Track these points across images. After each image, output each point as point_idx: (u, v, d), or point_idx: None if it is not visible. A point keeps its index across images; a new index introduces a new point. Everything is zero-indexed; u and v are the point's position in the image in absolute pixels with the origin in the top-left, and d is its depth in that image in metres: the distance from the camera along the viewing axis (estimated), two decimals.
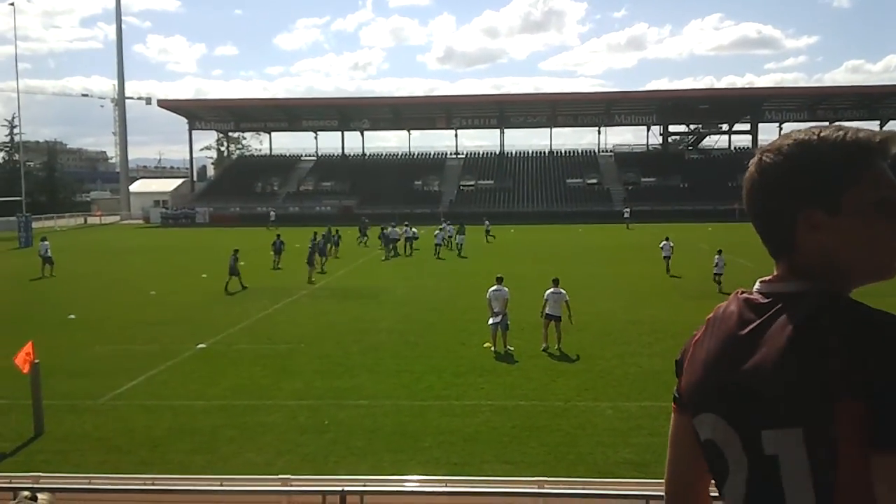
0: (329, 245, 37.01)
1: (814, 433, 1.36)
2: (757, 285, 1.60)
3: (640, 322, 19.47)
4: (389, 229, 41.28)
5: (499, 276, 17.18)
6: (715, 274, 26.14)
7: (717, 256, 26.68)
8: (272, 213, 67.16)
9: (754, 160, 1.62)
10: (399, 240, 40.89)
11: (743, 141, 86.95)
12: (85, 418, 12.33)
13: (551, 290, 16.55)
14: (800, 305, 1.45)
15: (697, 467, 1.66)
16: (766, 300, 1.53)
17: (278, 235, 37.36)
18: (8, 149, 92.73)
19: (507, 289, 16.58)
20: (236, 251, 28.29)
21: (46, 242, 34.49)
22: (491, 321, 16.37)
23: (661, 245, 27.14)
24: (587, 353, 16.19)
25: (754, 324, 1.50)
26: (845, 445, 1.34)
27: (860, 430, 1.32)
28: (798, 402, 1.38)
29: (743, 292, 1.62)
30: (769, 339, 1.45)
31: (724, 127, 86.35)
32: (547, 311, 16.39)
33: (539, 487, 7.14)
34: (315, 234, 35.94)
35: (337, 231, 40.78)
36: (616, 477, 8.89)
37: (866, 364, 1.32)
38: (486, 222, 49.98)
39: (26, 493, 3.39)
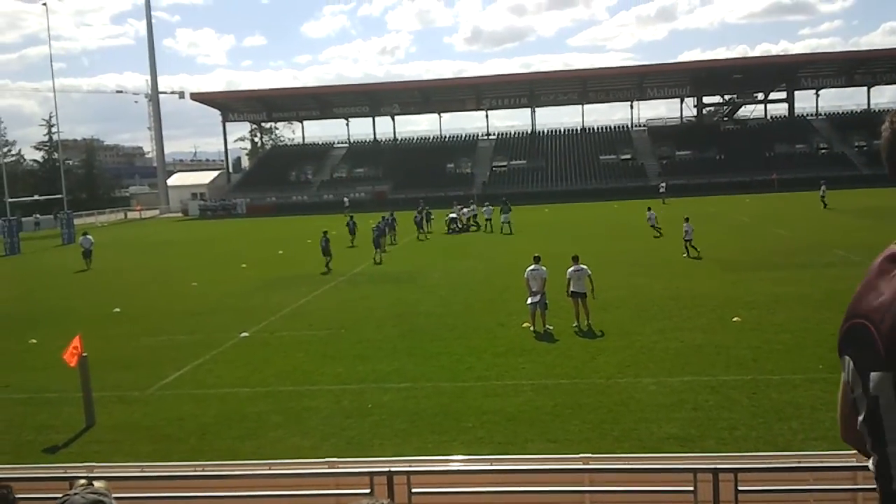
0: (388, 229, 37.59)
1: None
2: None
3: (679, 297, 19.28)
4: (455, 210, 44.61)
5: (536, 255, 17.12)
6: (685, 240, 27.05)
7: (685, 224, 27.39)
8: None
9: (885, 125, 1.64)
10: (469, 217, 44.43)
11: (779, 110, 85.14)
12: (134, 409, 12.62)
13: (573, 267, 16.44)
14: None
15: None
16: None
17: (351, 217, 41.25)
18: (47, 148, 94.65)
19: (544, 268, 16.52)
20: (326, 233, 29.56)
21: (90, 236, 35.47)
22: (529, 301, 16.35)
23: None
24: (626, 329, 16.09)
25: (889, 268, 1.57)
26: None
27: None
28: (892, 346, 1.43)
29: (894, 245, 1.65)
30: (891, 282, 1.52)
31: (760, 96, 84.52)
32: (572, 288, 16.31)
33: (584, 464, 7.15)
34: (383, 217, 38.30)
35: (393, 216, 41.01)
36: (661, 452, 8.85)
37: None
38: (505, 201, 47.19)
39: (83, 480, 3.49)
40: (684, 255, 26.63)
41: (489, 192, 66.43)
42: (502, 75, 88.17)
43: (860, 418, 1.60)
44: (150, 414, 12.28)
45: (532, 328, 16.20)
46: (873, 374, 1.50)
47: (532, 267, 16.59)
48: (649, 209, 36.54)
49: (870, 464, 1.61)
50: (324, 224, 39.51)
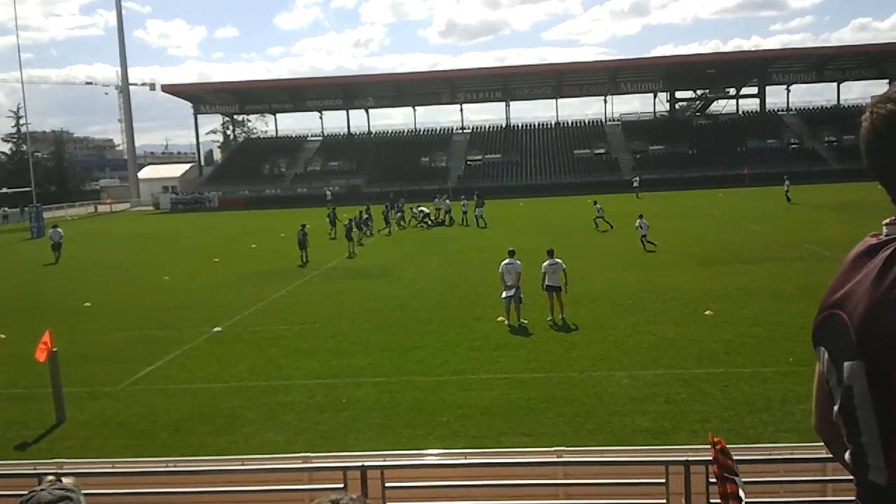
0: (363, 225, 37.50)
1: (872, 368, 1.44)
2: (884, 228, 1.63)
3: (652, 290, 19.44)
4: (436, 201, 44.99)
5: (511, 249, 17.15)
6: (641, 237, 27.74)
7: (638, 220, 28.10)
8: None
9: (865, 115, 1.60)
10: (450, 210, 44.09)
11: (751, 105, 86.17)
12: (105, 404, 12.46)
13: (548, 261, 16.51)
14: None
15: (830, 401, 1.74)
16: (883, 239, 1.57)
17: (333, 209, 41.77)
18: (15, 140, 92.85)
19: (519, 262, 16.56)
20: (304, 226, 29.14)
21: (59, 229, 35.15)
22: (504, 295, 16.39)
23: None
24: (601, 323, 16.19)
25: (865, 259, 1.57)
26: None
27: None
28: (867, 333, 1.45)
29: (872, 235, 1.65)
30: (864, 275, 1.52)
31: (732, 91, 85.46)
32: (547, 282, 16.39)
33: (558, 457, 7.19)
34: (360, 212, 38.43)
35: (369, 210, 40.77)
36: (634, 445, 8.92)
37: None
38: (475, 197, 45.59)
39: (51, 477, 3.43)
40: (646, 250, 26.96)
41: (464, 186, 66.45)
42: (477, 69, 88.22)
43: (835, 408, 1.61)
44: (121, 410, 12.13)
45: (507, 322, 16.25)
46: (846, 364, 1.52)
47: (507, 261, 16.63)
48: (595, 203, 37.69)
49: (846, 455, 1.63)
50: (299, 218, 39.25)
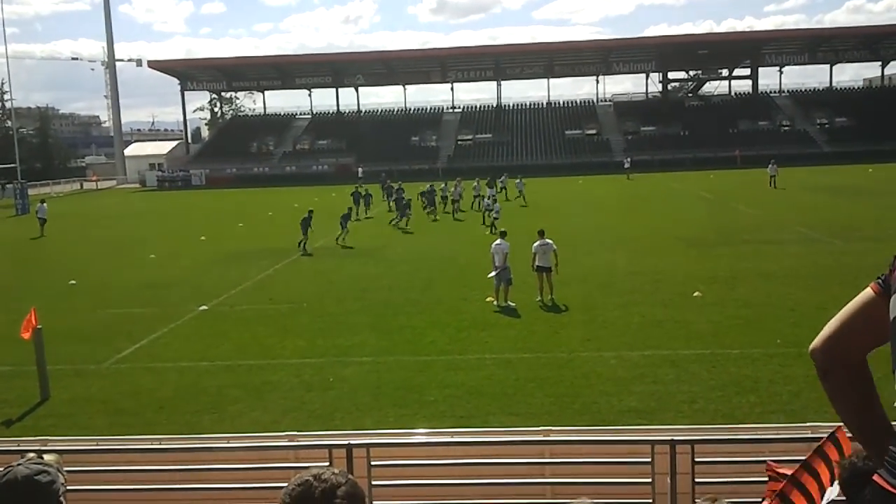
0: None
1: None
2: None
3: (641, 272, 19.43)
4: (428, 187, 38.34)
5: (502, 230, 17.11)
6: (486, 212, 29.78)
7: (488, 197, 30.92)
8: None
9: None
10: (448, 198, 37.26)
11: (743, 86, 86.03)
12: (90, 382, 12.37)
13: (538, 242, 16.47)
14: None
15: (858, 338, 1.93)
16: None
17: (359, 188, 39.83)
18: None
19: (507, 243, 16.51)
20: (311, 212, 27.23)
21: (45, 205, 35.05)
22: (492, 274, 16.36)
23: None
24: (590, 304, 16.18)
25: None
26: None
27: None
28: None
29: None
30: None
31: (724, 72, 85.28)
32: (537, 263, 16.35)
33: (545, 436, 7.17)
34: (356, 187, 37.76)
35: (368, 191, 39.71)
36: (621, 425, 8.92)
37: None
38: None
39: (32, 453, 3.36)
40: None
41: (454, 166, 66.25)
42: (468, 47, 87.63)
43: None
44: (106, 388, 12.05)
45: (496, 302, 16.21)
46: None
47: (497, 241, 16.60)
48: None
49: None
50: (288, 197, 39.10)
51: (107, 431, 9.50)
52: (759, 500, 6.73)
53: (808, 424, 6.09)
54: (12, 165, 62.39)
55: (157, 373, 12.68)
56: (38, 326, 11.55)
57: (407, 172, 60.14)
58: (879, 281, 1.94)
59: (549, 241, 16.44)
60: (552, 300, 16.26)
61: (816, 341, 2.02)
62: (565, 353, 12.73)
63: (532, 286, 16.58)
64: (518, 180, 42.41)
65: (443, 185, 39.29)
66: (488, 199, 32.68)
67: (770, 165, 44.88)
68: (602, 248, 23.62)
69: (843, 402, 1.96)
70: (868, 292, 1.96)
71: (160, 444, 7.58)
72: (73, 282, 21.48)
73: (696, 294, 16.44)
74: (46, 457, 3.34)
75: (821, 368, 1.99)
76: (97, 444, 7.86)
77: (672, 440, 6.37)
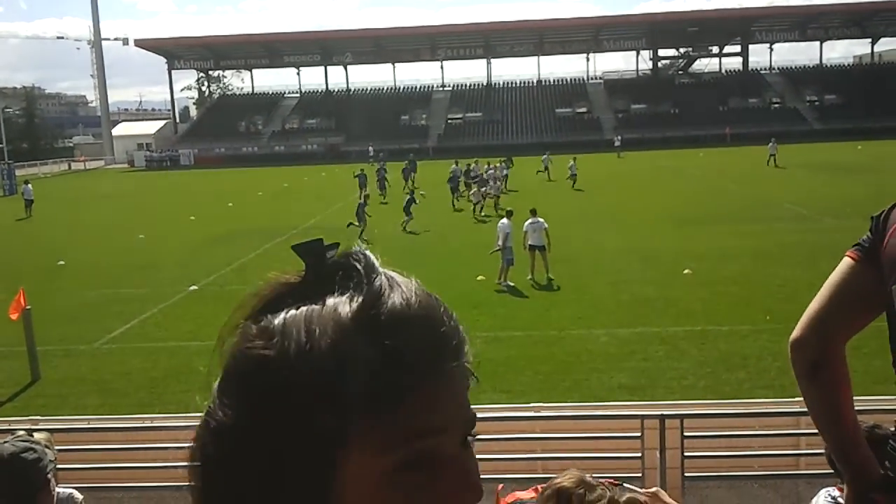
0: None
1: None
2: None
3: (631, 250, 19.48)
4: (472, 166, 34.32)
5: (508, 209, 17.27)
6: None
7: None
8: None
9: None
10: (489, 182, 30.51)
11: (733, 64, 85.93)
12: (81, 362, 12.36)
13: (530, 220, 16.47)
14: None
15: (846, 317, 1.71)
16: None
17: (382, 165, 38.56)
18: None
19: (508, 223, 16.48)
20: (367, 197, 26.28)
21: (29, 186, 35.13)
22: (492, 252, 16.55)
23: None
24: (580, 282, 16.22)
25: None
26: None
27: None
28: None
29: None
30: None
31: (715, 50, 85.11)
32: (529, 241, 16.36)
33: (536, 412, 7.22)
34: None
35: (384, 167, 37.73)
36: (611, 401, 8.98)
37: None
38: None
39: (21, 431, 3.35)
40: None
41: (444, 145, 66.04)
42: (457, 25, 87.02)
43: None
44: (96, 368, 12.03)
45: (500, 282, 16.10)
46: None
47: (502, 221, 16.80)
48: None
49: None
50: (277, 176, 38.87)
51: (98, 411, 9.50)
52: (747, 473, 6.82)
53: (795, 399, 6.13)
54: None
55: (148, 353, 12.66)
56: (27, 307, 11.50)
57: (396, 152, 59.82)
58: (857, 247, 1.74)
59: (541, 220, 16.44)
60: (548, 279, 16.27)
61: (802, 330, 1.77)
62: (556, 331, 12.78)
63: (523, 264, 16.59)
64: (545, 156, 42.03)
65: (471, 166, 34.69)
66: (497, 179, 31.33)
67: (770, 144, 43.84)
68: (592, 226, 23.64)
69: (833, 403, 1.70)
70: (847, 262, 1.75)
71: (151, 422, 7.60)
72: (62, 262, 21.37)
73: (685, 272, 16.51)
74: (36, 435, 3.33)
75: (811, 361, 1.73)
76: (88, 423, 7.88)
77: (661, 415, 6.44)
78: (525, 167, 43.51)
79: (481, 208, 27.74)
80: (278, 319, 0.69)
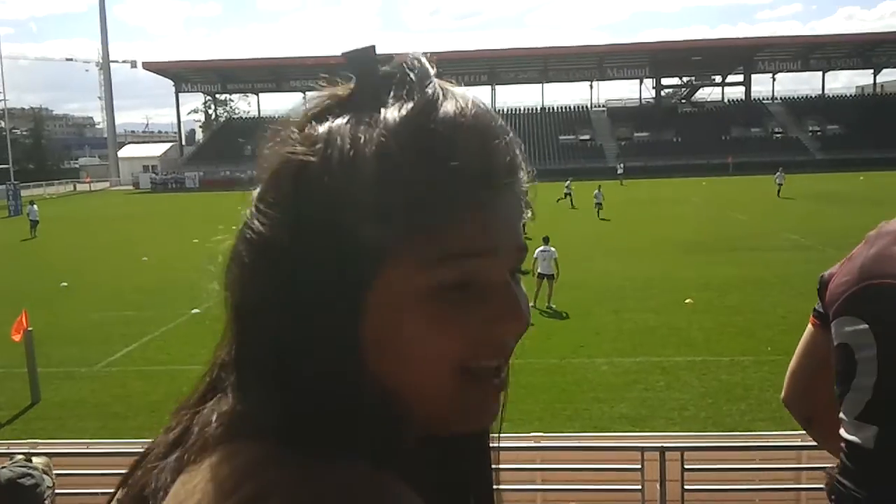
0: None
1: None
2: None
3: (634, 278, 19.48)
4: None
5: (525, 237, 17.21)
6: None
7: None
8: None
9: None
10: None
11: (736, 93, 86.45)
12: (81, 385, 12.35)
13: (541, 248, 16.52)
14: None
15: (821, 377, 1.71)
16: None
17: None
18: None
19: None
20: None
21: (35, 207, 35.23)
22: None
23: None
24: (582, 310, 16.22)
25: None
26: None
27: None
28: None
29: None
30: None
31: (717, 79, 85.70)
32: (539, 270, 16.37)
33: (535, 442, 7.20)
34: None
35: None
36: (612, 431, 8.95)
37: None
38: None
39: (20, 456, 3.36)
40: None
41: None
42: (462, 52, 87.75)
43: (853, 384, 1.56)
44: (97, 391, 12.02)
45: None
46: None
47: None
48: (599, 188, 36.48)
49: (853, 437, 1.57)
50: None
51: (97, 435, 9.48)
52: None
53: (797, 433, 6.11)
54: (5, 167, 62.20)
55: (149, 376, 12.65)
56: (29, 328, 11.52)
57: None
58: (814, 312, 1.78)
59: (552, 249, 16.50)
60: (548, 307, 16.27)
61: (787, 390, 1.89)
62: (557, 359, 12.75)
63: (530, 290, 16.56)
64: (567, 182, 41.40)
65: None
66: None
67: (777, 173, 43.50)
68: (595, 253, 23.67)
69: (836, 448, 1.73)
70: (809, 328, 1.80)
71: None
72: (65, 284, 21.42)
73: (687, 301, 16.50)
74: (35, 460, 3.33)
75: (803, 417, 1.87)
76: (87, 448, 7.86)
77: (662, 447, 6.41)
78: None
79: None
80: (323, 127, 0.67)
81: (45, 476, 2.93)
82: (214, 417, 0.67)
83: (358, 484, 0.59)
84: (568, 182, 42.27)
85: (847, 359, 1.57)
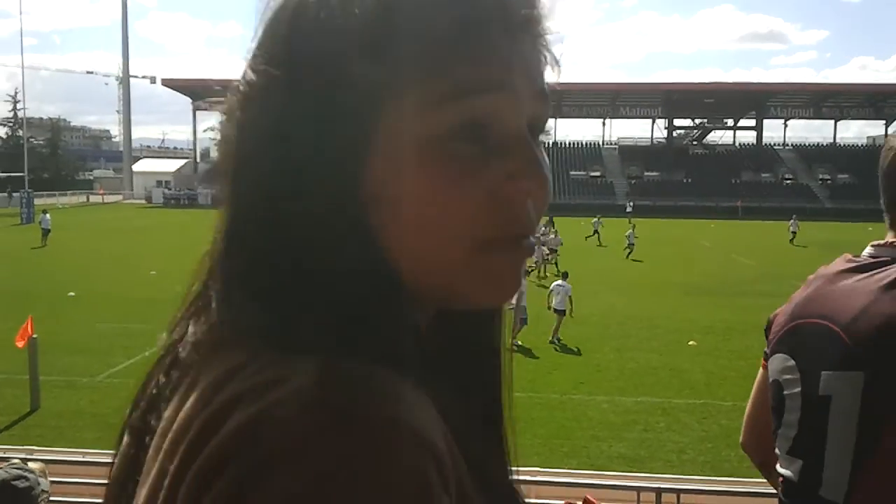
0: None
1: (879, 381, 1.42)
2: (867, 249, 1.66)
3: (638, 317, 19.47)
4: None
5: (527, 268, 17.22)
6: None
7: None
8: None
9: (886, 146, 1.76)
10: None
11: (747, 137, 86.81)
12: (82, 395, 12.38)
13: (558, 282, 16.57)
14: None
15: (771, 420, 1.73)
16: (871, 260, 1.58)
17: None
18: (11, 124, 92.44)
19: (525, 282, 16.49)
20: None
21: (47, 215, 35.51)
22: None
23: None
24: (585, 346, 16.20)
25: (850, 276, 1.57)
26: None
27: None
28: (869, 347, 1.43)
29: (850, 256, 1.66)
30: (859, 289, 1.52)
31: (729, 122, 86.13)
32: (553, 305, 16.37)
33: (532, 476, 7.18)
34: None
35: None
36: (609, 470, 8.91)
37: None
38: None
39: (17, 459, 3.40)
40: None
41: None
42: None
43: (786, 418, 1.61)
44: (97, 401, 12.04)
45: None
46: (827, 374, 1.50)
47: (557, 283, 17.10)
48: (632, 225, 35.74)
49: (785, 471, 1.61)
50: None
51: (94, 445, 9.46)
52: None
53: None
54: (21, 175, 62.75)
55: None
56: (34, 336, 11.59)
57: None
58: (764, 354, 1.82)
59: (568, 285, 16.63)
60: (553, 340, 16.24)
61: (744, 435, 1.94)
62: (557, 395, 12.73)
63: (536, 326, 16.51)
64: (595, 219, 40.28)
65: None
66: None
67: (791, 220, 42.63)
68: (601, 290, 23.65)
69: None
70: (760, 371, 1.84)
71: None
72: (72, 293, 21.53)
73: (690, 343, 16.47)
74: (32, 465, 3.37)
75: (758, 463, 1.89)
76: (83, 457, 7.87)
77: (659, 488, 6.40)
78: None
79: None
80: None
81: (40, 480, 2.97)
82: (201, 329, 0.63)
83: (353, 381, 0.51)
84: (596, 218, 41.26)
85: (778, 395, 1.64)
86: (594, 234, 40.40)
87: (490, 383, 0.74)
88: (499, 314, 0.75)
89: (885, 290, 1.48)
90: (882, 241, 1.63)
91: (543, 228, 30.84)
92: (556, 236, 28.58)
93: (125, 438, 0.68)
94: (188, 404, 0.55)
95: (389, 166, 0.57)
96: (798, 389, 1.58)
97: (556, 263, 26.63)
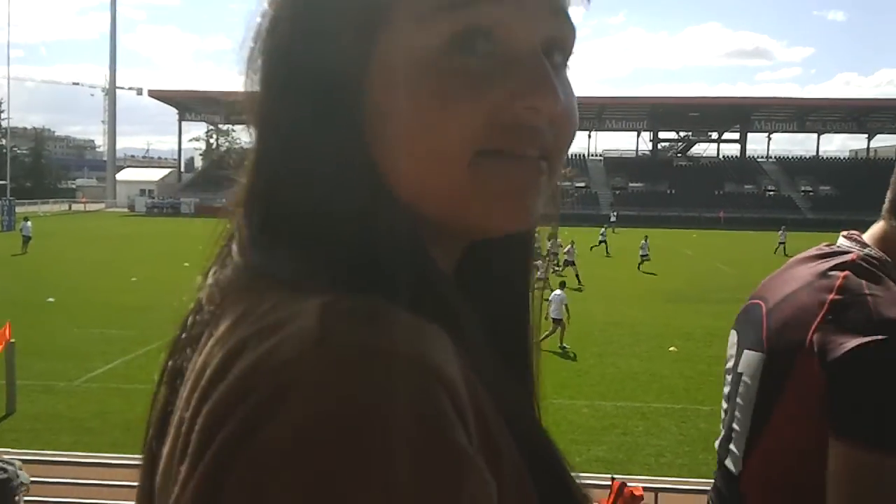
0: None
1: (773, 364, 1.46)
2: (839, 238, 1.67)
3: (619, 323, 19.55)
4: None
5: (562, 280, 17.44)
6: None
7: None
8: None
9: None
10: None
11: (731, 150, 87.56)
12: (58, 399, 12.27)
13: (556, 292, 16.53)
14: (844, 258, 1.51)
15: None
16: (829, 249, 1.61)
17: None
18: None
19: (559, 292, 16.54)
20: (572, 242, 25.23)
21: (29, 223, 35.59)
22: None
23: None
24: (567, 351, 16.25)
25: (805, 262, 1.60)
26: (794, 393, 1.41)
27: (815, 392, 1.35)
28: (778, 331, 1.47)
29: (824, 244, 1.68)
30: (797, 275, 1.56)
31: (714, 135, 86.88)
32: (551, 314, 16.36)
33: None
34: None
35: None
36: (587, 473, 8.93)
37: (844, 341, 1.32)
38: None
39: None
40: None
41: None
42: None
43: (725, 391, 1.67)
44: (74, 406, 11.95)
45: None
46: (746, 352, 1.57)
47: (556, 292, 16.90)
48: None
49: (716, 441, 1.66)
50: None
51: (71, 449, 9.41)
52: None
53: None
54: (3, 182, 62.31)
55: (128, 394, 12.55)
56: (12, 340, 11.49)
57: None
58: None
59: (562, 294, 16.57)
60: (561, 346, 16.26)
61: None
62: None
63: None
64: (603, 229, 40.23)
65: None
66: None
67: (780, 231, 42.26)
68: (583, 297, 23.74)
69: None
70: None
71: (124, 459, 7.54)
72: (52, 299, 21.36)
73: (671, 349, 16.56)
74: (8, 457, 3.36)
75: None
76: (60, 457, 7.83)
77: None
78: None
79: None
80: None
81: (19, 473, 2.97)
82: (223, 273, 0.64)
83: (353, 316, 0.50)
84: (604, 228, 41.18)
85: (725, 370, 1.71)
86: (600, 244, 40.41)
87: (517, 322, 0.72)
88: (526, 252, 0.71)
89: (815, 278, 1.50)
90: (853, 232, 1.65)
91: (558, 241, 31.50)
92: (571, 246, 27.85)
93: (161, 387, 0.68)
94: (206, 350, 0.55)
95: (384, 87, 0.55)
96: (730, 365, 1.66)
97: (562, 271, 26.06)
